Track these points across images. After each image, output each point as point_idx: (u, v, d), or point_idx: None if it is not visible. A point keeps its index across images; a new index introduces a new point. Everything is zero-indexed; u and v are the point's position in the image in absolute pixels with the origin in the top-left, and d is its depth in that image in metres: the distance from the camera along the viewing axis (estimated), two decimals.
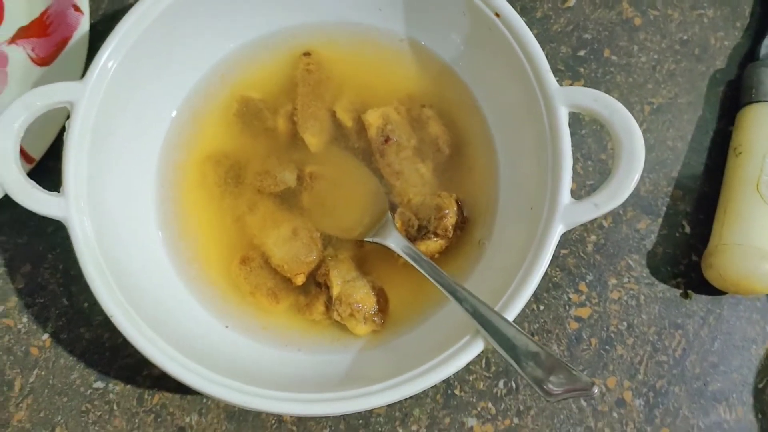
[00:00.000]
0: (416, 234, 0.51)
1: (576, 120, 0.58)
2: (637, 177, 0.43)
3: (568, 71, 0.60)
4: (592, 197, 0.44)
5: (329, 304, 0.50)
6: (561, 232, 0.44)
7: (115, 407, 0.52)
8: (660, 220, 0.56)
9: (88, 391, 0.53)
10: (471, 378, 0.53)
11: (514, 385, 0.53)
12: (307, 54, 0.56)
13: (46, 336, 0.54)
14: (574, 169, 0.55)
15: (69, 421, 0.52)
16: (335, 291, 0.49)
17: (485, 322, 0.42)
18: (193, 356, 0.44)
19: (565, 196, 0.44)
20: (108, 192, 0.48)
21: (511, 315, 0.43)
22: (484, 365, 0.53)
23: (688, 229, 0.56)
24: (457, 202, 0.51)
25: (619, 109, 0.44)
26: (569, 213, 0.44)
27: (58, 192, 0.45)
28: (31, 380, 0.53)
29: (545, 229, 0.44)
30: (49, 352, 0.54)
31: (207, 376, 0.43)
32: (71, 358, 0.53)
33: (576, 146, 0.58)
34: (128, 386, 0.53)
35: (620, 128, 0.43)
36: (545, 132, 0.46)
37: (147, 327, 0.44)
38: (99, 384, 0.53)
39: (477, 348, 0.42)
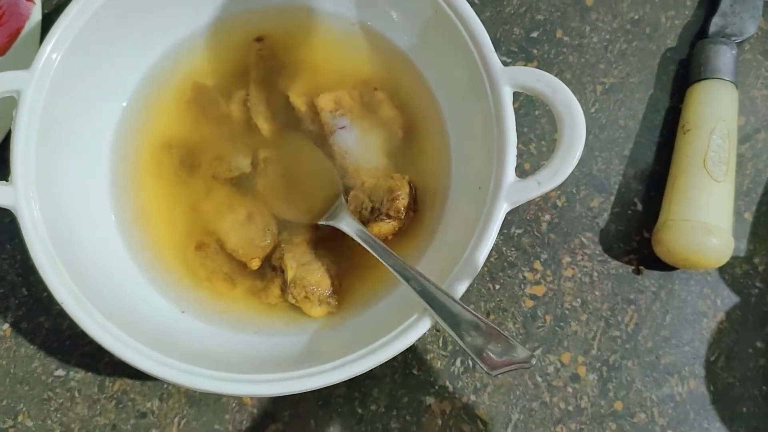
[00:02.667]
0: (369, 216, 0.51)
1: (530, 101, 0.59)
2: (578, 154, 0.43)
3: (521, 53, 0.60)
4: (535, 175, 0.44)
5: (284, 287, 0.50)
6: (505, 211, 0.44)
7: (76, 394, 0.52)
8: (612, 198, 0.56)
9: (50, 379, 0.53)
10: (428, 357, 0.53)
11: (470, 363, 0.53)
12: (259, 39, 0.55)
13: (6, 326, 0.54)
14: (528, 149, 0.56)
15: (31, 408, 0.52)
16: (290, 274, 0.49)
17: (432, 300, 0.42)
18: (149, 342, 0.44)
19: (510, 174, 0.44)
20: (59, 180, 0.48)
21: (457, 292, 0.43)
22: (441, 345, 0.53)
23: (639, 207, 0.56)
24: (409, 183, 0.50)
25: (560, 87, 0.44)
26: (513, 191, 0.44)
27: (7, 181, 0.45)
28: None
29: (490, 208, 0.44)
30: (9, 341, 0.54)
31: (163, 361, 0.43)
32: (32, 347, 0.53)
33: (530, 127, 0.58)
34: (89, 373, 0.53)
35: (561, 106, 0.44)
36: (491, 112, 0.46)
37: (99, 314, 0.44)
38: (60, 372, 0.53)
39: (424, 325, 0.43)
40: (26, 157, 0.46)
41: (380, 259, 0.46)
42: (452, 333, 0.41)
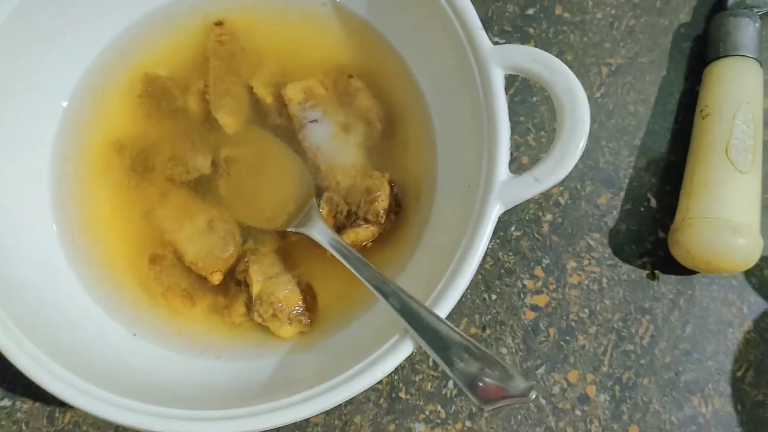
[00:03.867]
0: (345, 221, 0.47)
1: (527, 86, 0.54)
2: (581, 144, 0.39)
3: (516, 32, 0.55)
4: (532, 170, 0.39)
5: (250, 304, 0.46)
6: (498, 213, 0.40)
7: (23, 427, 0.49)
8: (622, 193, 0.52)
9: None
10: (417, 379, 0.49)
11: None
12: (218, 24, 0.51)
13: None
14: (525, 141, 0.52)
15: None
16: (255, 289, 0.45)
17: (415, 319, 0.38)
18: (91, 374, 0.40)
19: (502, 171, 0.40)
20: None
21: (444, 309, 0.39)
22: (431, 364, 0.49)
23: (653, 203, 0.52)
24: (390, 183, 0.47)
25: (559, 67, 0.39)
26: (507, 190, 0.39)
27: None
28: None
29: (481, 210, 0.40)
30: None
31: (106, 399, 0.38)
32: None
33: (527, 115, 0.53)
34: (37, 404, 0.49)
35: (561, 89, 0.39)
36: (480, 99, 0.42)
37: (30, 342, 0.39)
38: (5, 402, 0.49)
39: (405, 350, 0.38)
40: None
41: (355, 272, 0.42)
42: (438, 359, 0.36)
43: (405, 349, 0.38)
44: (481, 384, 0.35)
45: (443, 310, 0.38)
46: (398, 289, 0.39)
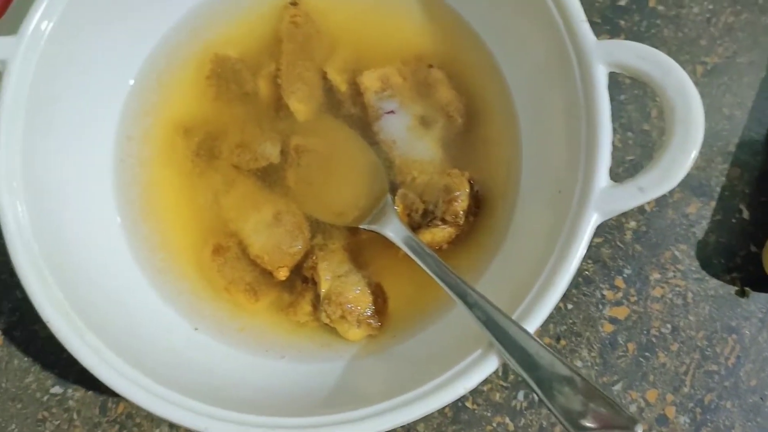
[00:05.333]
0: (421, 220, 0.45)
1: (614, 82, 0.51)
2: (694, 155, 0.36)
3: (605, 24, 0.53)
4: (636, 179, 0.36)
5: (317, 303, 0.44)
6: (596, 223, 0.37)
7: (75, 416, 0.48)
8: (713, 203, 0.50)
9: (45, 397, 0.48)
10: (485, 388, 0.47)
11: (535, 397, 0.47)
12: (293, 3, 0.50)
13: None
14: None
15: (23, 430, 0.48)
16: (324, 288, 0.44)
17: (501, 333, 0.36)
18: (150, 369, 0.38)
19: (602, 178, 0.37)
20: (51, 171, 0.43)
21: (532, 325, 0.36)
22: (500, 373, 0.48)
23: (746, 215, 0.50)
24: (470, 182, 0.45)
25: (673, 69, 0.36)
26: (606, 199, 0.37)
27: None
28: None
29: (576, 218, 0.37)
30: (1, 351, 0.50)
31: (163, 395, 0.37)
32: (26, 359, 0.49)
33: (614, 114, 0.49)
34: (90, 392, 0.48)
35: (675, 93, 0.36)
36: (578, 98, 0.39)
37: (92, 334, 0.38)
38: (57, 389, 0.49)
39: (490, 366, 0.36)
40: (10, 141, 0.40)
41: (434, 277, 0.40)
42: (536, 389, 0.34)
43: (489, 365, 0.36)
44: (587, 424, 0.32)
45: (531, 326, 0.36)
46: (484, 299, 0.37)
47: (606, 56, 0.38)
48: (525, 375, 0.34)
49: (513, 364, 0.34)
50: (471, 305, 0.37)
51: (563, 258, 0.36)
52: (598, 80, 0.38)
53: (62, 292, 0.39)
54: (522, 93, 0.46)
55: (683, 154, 0.35)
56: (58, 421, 0.48)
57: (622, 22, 0.52)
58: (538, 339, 0.35)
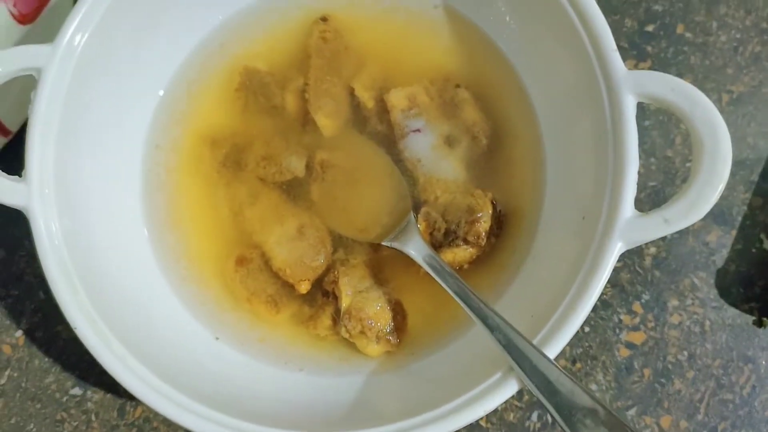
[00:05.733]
0: (443, 239, 0.45)
1: (639, 107, 0.50)
2: (720, 187, 0.36)
3: (632, 49, 0.52)
4: (662, 210, 0.37)
5: (337, 317, 0.44)
6: (620, 252, 0.37)
7: (93, 418, 0.48)
8: (734, 232, 0.50)
9: (65, 398, 0.49)
10: (499, 408, 0.47)
11: (549, 419, 0.47)
12: (323, 19, 0.50)
13: (19, 333, 0.50)
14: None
15: (42, 430, 0.48)
16: (344, 303, 0.44)
17: (521, 358, 0.36)
18: (171, 378, 0.39)
19: (627, 208, 0.37)
20: (81, 177, 0.43)
21: (553, 351, 0.36)
22: (515, 393, 0.46)
23: (766, 244, 0.49)
24: (492, 203, 0.45)
25: (702, 102, 0.37)
26: (631, 228, 0.37)
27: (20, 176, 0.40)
28: (2, 382, 0.49)
29: (600, 246, 0.37)
30: (22, 351, 0.50)
31: (184, 404, 0.38)
32: (47, 359, 0.49)
33: (638, 140, 0.50)
34: (108, 395, 0.48)
35: (702, 125, 0.36)
36: (606, 126, 0.39)
37: (118, 341, 0.39)
38: (76, 390, 0.49)
39: (509, 390, 0.36)
40: (44, 148, 0.40)
41: (455, 297, 0.40)
42: (558, 419, 0.34)
43: (508, 389, 0.36)
44: None
45: (552, 352, 0.36)
46: (505, 322, 0.37)
47: (636, 87, 0.38)
48: (546, 402, 0.34)
49: (534, 391, 0.35)
50: (492, 328, 0.37)
51: (586, 285, 0.37)
52: (627, 110, 0.38)
53: (89, 298, 0.39)
54: (548, 117, 0.46)
55: (710, 188, 0.36)
56: (77, 423, 0.48)
57: (650, 48, 0.52)
58: (559, 366, 0.35)
